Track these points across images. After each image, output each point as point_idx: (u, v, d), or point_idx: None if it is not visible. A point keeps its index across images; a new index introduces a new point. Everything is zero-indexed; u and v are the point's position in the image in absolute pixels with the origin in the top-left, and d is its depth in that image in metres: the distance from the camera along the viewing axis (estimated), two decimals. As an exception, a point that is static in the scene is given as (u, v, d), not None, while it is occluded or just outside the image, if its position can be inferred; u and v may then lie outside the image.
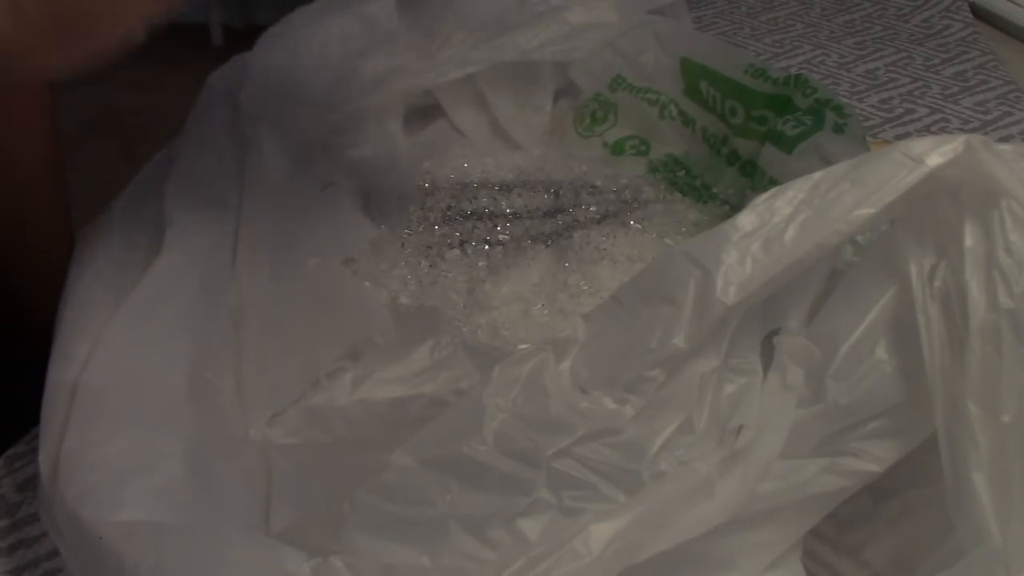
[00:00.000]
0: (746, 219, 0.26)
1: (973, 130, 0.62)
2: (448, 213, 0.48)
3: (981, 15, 0.78)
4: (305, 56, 0.49)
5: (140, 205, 0.40)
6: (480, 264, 0.45)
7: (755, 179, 0.46)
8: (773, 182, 0.43)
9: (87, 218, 0.41)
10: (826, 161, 0.41)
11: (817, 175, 0.26)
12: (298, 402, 0.37)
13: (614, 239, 0.45)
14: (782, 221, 0.26)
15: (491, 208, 0.49)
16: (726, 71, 0.50)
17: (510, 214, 0.49)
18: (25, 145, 0.56)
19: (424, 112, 0.54)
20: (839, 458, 0.27)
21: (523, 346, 0.39)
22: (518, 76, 0.53)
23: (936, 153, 0.25)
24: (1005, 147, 0.25)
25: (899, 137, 0.62)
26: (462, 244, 0.46)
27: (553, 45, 0.51)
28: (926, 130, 0.62)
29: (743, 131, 0.48)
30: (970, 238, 0.25)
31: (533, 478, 0.26)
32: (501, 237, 0.47)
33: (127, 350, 0.34)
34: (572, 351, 0.26)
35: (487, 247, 0.46)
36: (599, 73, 0.55)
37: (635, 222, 0.46)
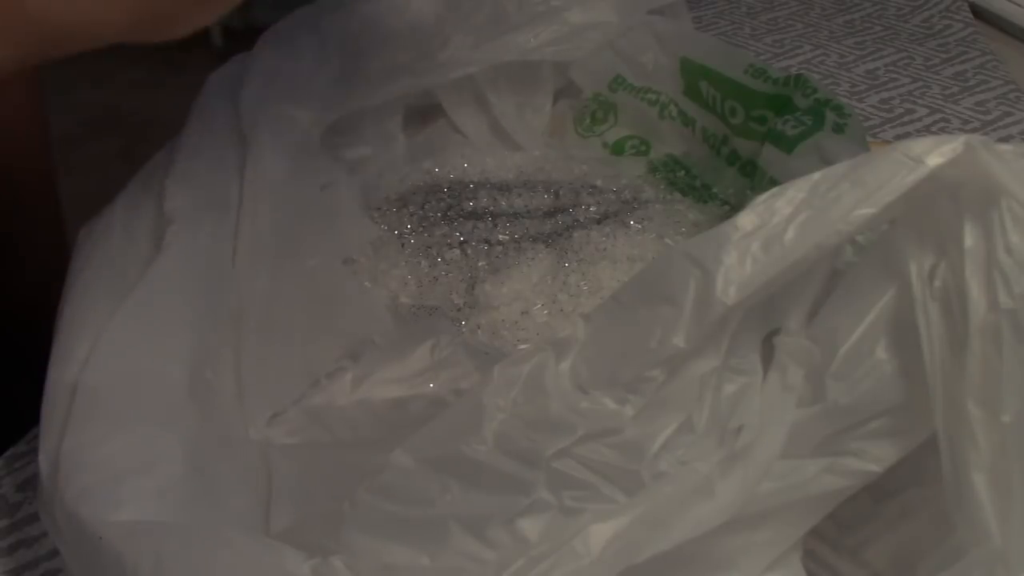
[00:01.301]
0: (746, 219, 0.26)
1: (973, 130, 0.62)
2: (448, 213, 0.48)
3: (981, 15, 0.78)
4: (305, 56, 0.49)
5: (140, 205, 0.40)
6: (480, 264, 0.45)
7: (755, 179, 0.46)
8: (773, 182, 0.43)
9: (87, 218, 0.41)
10: (826, 161, 0.41)
11: (817, 175, 0.26)
12: (298, 402, 0.37)
13: (614, 239, 0.45)
14: (782, 221, 0.25)
15: (491, 208, 0.49)
16: (726, 71, 0.50)
17: (510, 214, 0.49)
18: (16, 146, 0.56)
19: (424, 112, 0.54)
20: (839, 458, 0.27)
21: (523, 346, 0.39)
22: (518, 76, 0.53)
23: (936, 153, 0.25)
24: (1005, 147, 0.25)
25: (899, 137, 0.62)
26: (462, 244, 0.46)
27: (553, 45, 0.51)
28: (926, 130, 0.63)
29: (743, 131, 0.48)
30: (970, 238, 0.25)
31: (533, 478, 0.26)
32: (501, 237, 0.47)
33: (127, 350, 0.34)
34: (572, 351, 0.26)
35: (487, 247, 0.46)
36: (599, 73, 0.55)
37: (635, 222, 0.46)
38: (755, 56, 0.61)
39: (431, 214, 0.48)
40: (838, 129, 0.43)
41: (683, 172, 0.51)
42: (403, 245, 0.46)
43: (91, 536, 0.28)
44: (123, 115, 1.96)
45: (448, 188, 0.50)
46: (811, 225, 0.25)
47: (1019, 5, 0.76)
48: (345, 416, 0.36)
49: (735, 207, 0.48)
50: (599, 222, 0.47)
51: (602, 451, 0.26)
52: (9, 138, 0.56)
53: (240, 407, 0.35)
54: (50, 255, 0.59)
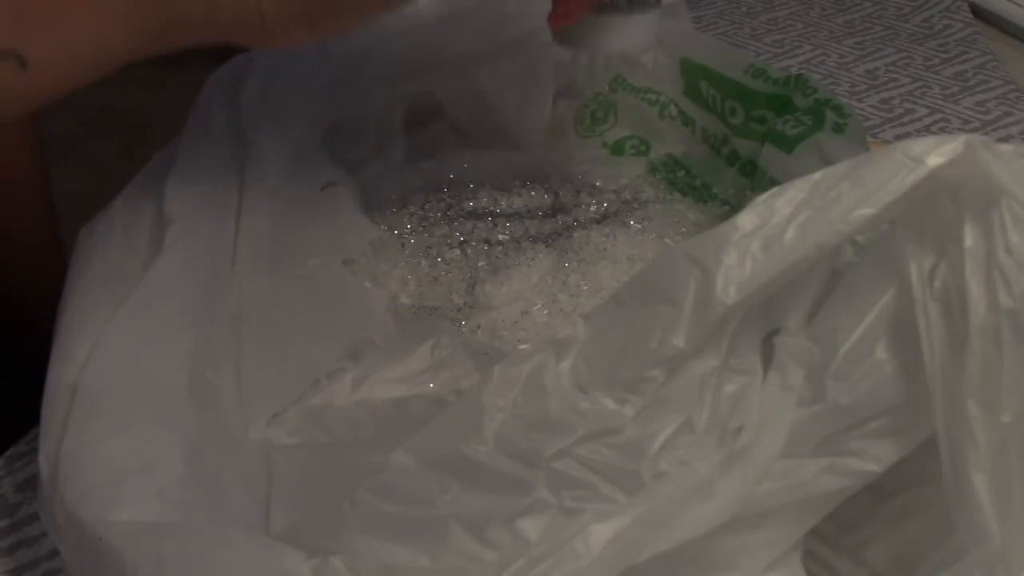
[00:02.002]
0: (746, 219, 0.26)
1: (973, 130, 0.62)
2: (448, 213, 0.48)
3: (981, 15, 0.78)
4: (305, 56, 0.49)
5: (140, 205, 0.40)
6: (480, 264, 0.45)
7: (755, 179, 0.46)
8: (773, 182, 0.43)
9: (87, 218, 0.41)
10: (826, 161, 0.41)
11: (817, 175, 0.26)
12: (298, 402, 0.37)
13: (614, 239, 0.45)
14: (782, 221, 0.25)
15: (491, 208, 0.49)
16: (726, 71, 0.50)
17: (510, 214, 0.49)
18: (8, 146, 0.56)
19: (424, 112, 0.54)
20: (839, 458, 0.27)
21: (523, 346, 0.39)
22: (518, 76, 0.53)
23: (936, 153, 0.25)
24: (1005, 147, 0.25)
25: (899, 137, 0.62)
26: (462, 244, 0.46)
27: (553, 45, 0.51)
28: (926, 130, 0.63)
29: (743, 131, 0.48)
30: (970, 238, 0.25)
31: (533, 478, 0.26)
32: (501, 237, 0.47)
33: (127, 350, 0.34)
34: (572, 351, 0.26)
35: (487, 247, 0.46)
36: (599, 73, 0.55)
37: (635, 222, 0.46)
38: (755, 56, 0.61)
39: (431, 214, 0.48)
40: (838, 129, 0.43)
41: (683, 172, 0.51)
42: (403, 245, 0.46)
43: (91, 536, 0.28)
44: (123, 115, 1.96)
45: (448, 188, 0.50)
46: (811, 225, 0.25)
47: (1019, 5, 0.76)
48: (345, 416, 0.36)
49: (735, 207, 0.48)
50: (599, 222, 0.47)
51: (602, 451, 0.26)
52: (2, 138, 0.56)
53: (240, 407, 0.35)
54: (47, 255, 0.59)
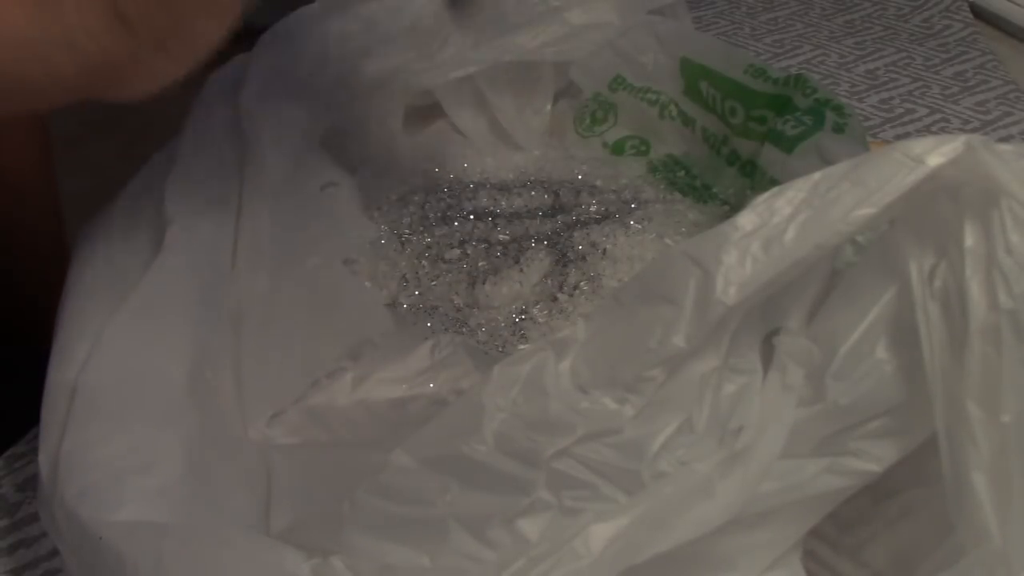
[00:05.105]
0: (746, 219, 0.26)
1: (973, 130, 0.62)
2: (448, 213, 0.48)
3: (981, 15, 0.78)
4: (305, 56, 0.49)
5: (140, 205, 0.40)
6: (480, 264, 0.45)
7: (755, 179, 0.46)
8: (773, 182, 0.43)
9: (87, 218, 0.41)
10: (826, 161, 0.41)
11: (817, 175, 0.26)
12: (298, 402, 0.37)
13: (614, 239, 0.45)
14: (782, 221, 0.25)
15: (491, 208, 0.49)
16: (726, 71, 0.50)
17: (510, 214, 0.49)
18: (16, 146, 0.56)
19: (424, 112, 0.54)
20: (839, 458, 0.27)
21: (523, 346, 0.39)
22: (518, 76, 0.53)
23: (936, 153, 0.25)
24: (1005, 147, 0.25)
25: (899, 137, 0.62)
26: (462, 244, 0.46)
27: (553, 45, 0.51)
28: (926, 130, 0.62)
29: (743, 131, 0.48)
30: (970, 238, 0.25)
31: (533, 478, 0.26)
32: (501, 237, 0.47)
33: (127, 350, 0.34)
34: (572, 351, 0.26)
35: (487, 247, 0.46)
36: (599, 73, 0.55)
37: (635, 222, 0.46)
38: (755, 56, 0.61)
39: (431, 214, 0.48)
40: (838, 129, 0.43)
41: (683, 172, 0.51)
42: (403, 245, 0.46)
43: (91, 536, 0.28)
44: (123, 115, 1.96)
45: (448, 188, 0.50)
46: (811, 225, 0.25)
47: (1019, 5, 0.76)
48: (345, 416, 0.36)
49: (735, 207, 0.48)
50: (599, 222, 0.47)
51: (602, 451, 0.26)
52: (9, 138, 0.56)
53: (240, 407, 0.35)
54: (50, 255, 0.59)
